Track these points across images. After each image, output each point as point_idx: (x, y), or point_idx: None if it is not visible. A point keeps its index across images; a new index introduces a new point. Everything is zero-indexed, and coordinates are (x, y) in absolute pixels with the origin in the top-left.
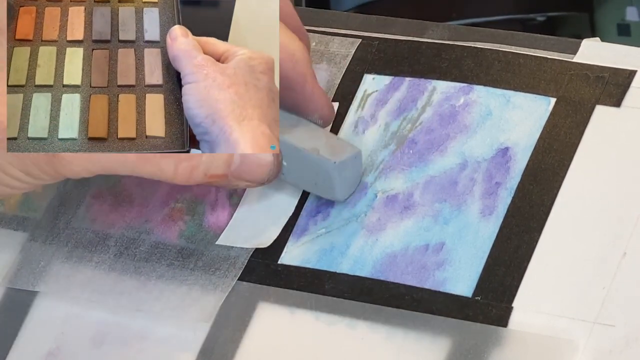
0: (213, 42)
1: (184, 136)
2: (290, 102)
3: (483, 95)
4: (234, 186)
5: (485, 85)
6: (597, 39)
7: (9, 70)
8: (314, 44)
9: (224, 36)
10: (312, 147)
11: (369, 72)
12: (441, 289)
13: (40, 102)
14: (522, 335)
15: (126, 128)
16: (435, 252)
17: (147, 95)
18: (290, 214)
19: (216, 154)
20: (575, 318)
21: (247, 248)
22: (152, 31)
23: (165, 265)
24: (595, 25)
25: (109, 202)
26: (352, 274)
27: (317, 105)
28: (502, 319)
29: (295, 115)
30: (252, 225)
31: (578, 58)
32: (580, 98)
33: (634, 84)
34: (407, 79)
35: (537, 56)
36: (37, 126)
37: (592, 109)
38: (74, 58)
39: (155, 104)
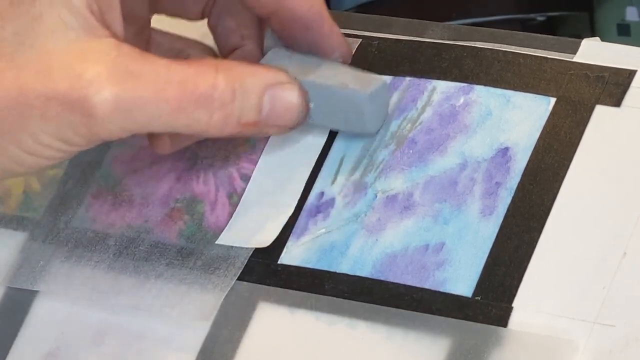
0: None
1: None
2: (309, 42)
3: (483, 95)
4: (265, 133)
5: (485, 85)
6: (597, 38)
7: None
8: None
9: None
10: (339, 82)
11: (369, 72)
12: (441, 289)
13: None
14: (522, 335)
15: None
16: (435, 252)
17: None
18: (290, 213)
19: (247, 101)
20: (575, 318)
21: (246, 248)
22: None
23: (165, 265)
24: (595, 25)
25: (109, 201)
26: (352, 274)
27: (336, 44)
28: (502, 318)
29: (315, 57)
30: (252, 225)
31: (578, 58)
32: (580, 98)
33: (634, 83)
34: (407, 78)
35: (537, 56)
36: None
37: (592, 108)
38: None
39: None
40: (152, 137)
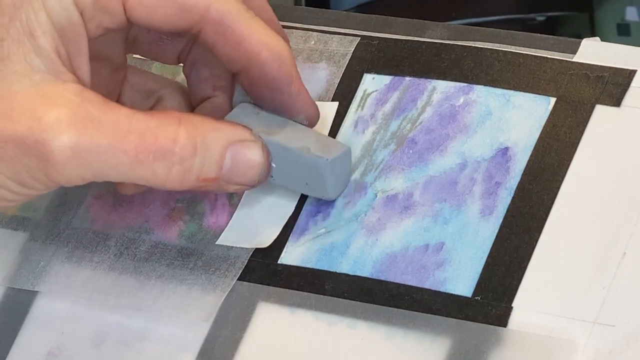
0: None
1: None
2: (276, 103)
3: (483, 95)
4: (224, 190)
5: (485, 85)
6: (597, 38)
7: None
8: (312, 42)
9: None
10: (302, 146)
11: (369, 72)
12: (441, 289)
13: None
14: (522, 335)
15: None
16: (435, 252)
17: None
18: (290, 214)
19: (208, 157)
20: (575, 318)
21: (247, 248)
22: None
23: (165, 265)
24: (595, 25)
25: (109, 202)
26: (352, 274)
27: (304, 106)
28: (502, 318)
29: (281, 118)
30: (252, 225)
31: (578, 58)
32: (580, 98)
33: (633, 83)
34: (407, 78)
35: (537, 56)
36: None
37: (592, 108)
38: None
39: None
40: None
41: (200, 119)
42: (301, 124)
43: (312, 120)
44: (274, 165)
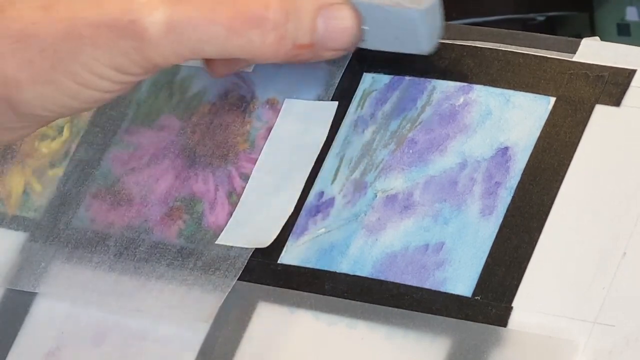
0: None
1: None
2: None
3: (483, 95)
4: (320, 57)
5: (485, 84)
6: (597, 38)
7: None
8: None
9: None
10: (392, 1)
11: (369, 71)
12: (441, 289)
13: None
14: (522, 335)
15: None
16: (435, 252)
17: None
18: (290, 213)
19: (300, 22)
20: (575, 318)
21: (246, 248)
22: None
23: (165, 265)
24: (595, 25)
25: (108, 201)
26: (351, 273)
27: None
28: (502, 318)
29: None
30: (252, 224)
31: (578, 57)
32: (579, 97)
33: (633, 83)
34: (407, 78)
35: (537, 56)
36: None
37: (592, 108)
38: None
39: None
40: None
41: None
42: None
43: None
44: (365, 27)
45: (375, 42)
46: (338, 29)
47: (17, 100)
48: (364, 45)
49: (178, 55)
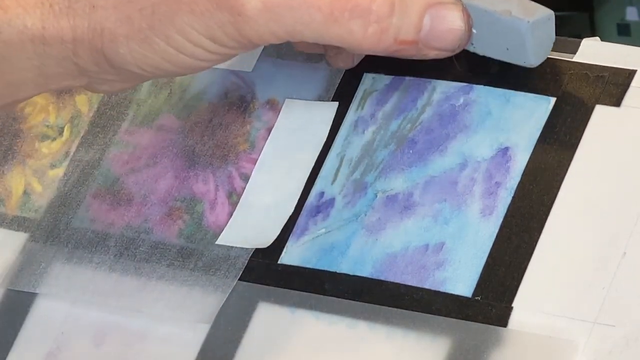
0: None
1: None
2: None
3: (483, 95)
4: (423, 55)
5: (485, 85)
6: (597, 38)
7: None
8: None
9: None
10: (503, 9)
11: (369, 72)
12: (441, 289)
13: None
14: (522, 335)
15: None
16: (435, 252)
17: None
18: (290, 213)
19: (406, 17)
20: (575, 318)
21: (247, 248)
22: None
23: (166, 266)
24: (595, 25)
25: (108, 201)
26: (352, 274)
27: None
28: (502, 319)
29: None
30: (252, 225)
31: (578, 58)
32: (580, 98)
33: (634, 83)
34: (407, 78)
35: None
36: None
37: (592, 108)
38: None
39: None
40: (330, 51)
41: None
42: None
43: None
44: (474, 31)
45: (484, 48)
46: (445, 28)
47: (113, 53)
48: (472, 49)
49: (274, 34)
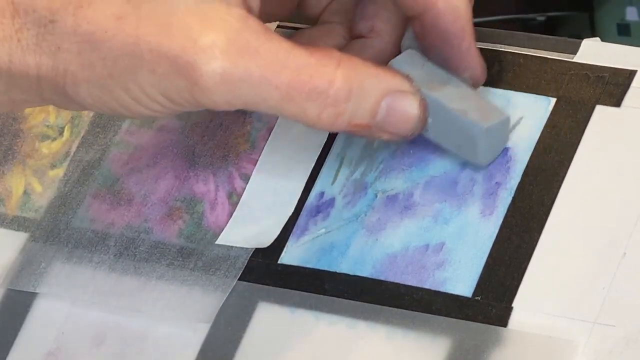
0: None
1: None
2: (444, 56)
3: (483, 95)
4: (376, 137)
5: (485, 85)
6: (597, 39)
7: None
8: None
9: None
10: (460, 107)
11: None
12: (441, 289)
13: None
14: (522, 335)
15: None
16: (435, 252)
17: None
18: (290, 213)
19: (362, 103)
20: (575, 318)
21: (247, 248)
22: None
23: (165, 266)
24: (595, 25)
25: (108, 201)
26: (352, 274)
27: (471, 64)
28: (502, 319)
29: (446, 72)
30: (252, 225)
31: (578, 58)
32: (580, 98)
33: (634, 84)
34: None
35: (537, 56)
36: None
37: (592, 108)
38: None
39: None
40: None
41: (361, 64)
42: (466, 82)
43: (477, 80)
44: (430, 120)
45: (438, 137)
46: (401, 116)
47: (74, 94)
48: (426, 135)
49: (229, 104)
